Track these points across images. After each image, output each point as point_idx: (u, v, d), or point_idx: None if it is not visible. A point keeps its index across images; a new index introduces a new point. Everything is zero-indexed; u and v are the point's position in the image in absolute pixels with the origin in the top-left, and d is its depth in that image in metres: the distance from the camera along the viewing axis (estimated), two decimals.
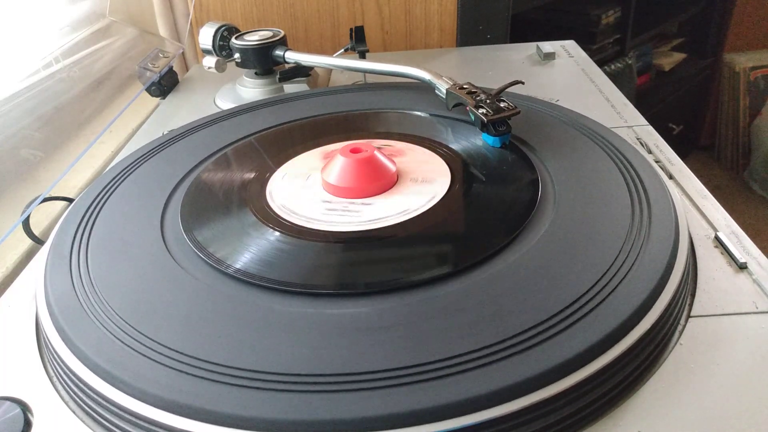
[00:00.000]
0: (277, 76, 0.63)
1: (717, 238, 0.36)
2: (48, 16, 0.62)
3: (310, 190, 0.41)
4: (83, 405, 0.28)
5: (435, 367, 0.25)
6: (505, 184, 0.40)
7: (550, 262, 0.32)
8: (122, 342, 0.28)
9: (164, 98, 0.68)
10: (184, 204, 0.40)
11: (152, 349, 0.28)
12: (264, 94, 0.63)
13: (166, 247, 0.36)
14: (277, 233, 0.36)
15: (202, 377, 0.26)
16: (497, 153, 0.43)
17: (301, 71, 0.64)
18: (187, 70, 0.83)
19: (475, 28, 0.80)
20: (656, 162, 0.45)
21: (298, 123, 0.52)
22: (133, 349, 0.28)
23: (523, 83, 0.47)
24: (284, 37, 0.63)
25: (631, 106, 0.56)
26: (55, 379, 0.30)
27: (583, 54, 0.71)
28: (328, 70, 0.70)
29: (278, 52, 0.61)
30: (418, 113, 0.52)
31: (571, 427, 0.25)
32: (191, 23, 0.81)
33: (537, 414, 0.25)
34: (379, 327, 0.28)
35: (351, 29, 0.67)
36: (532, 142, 0.44)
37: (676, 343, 0.29)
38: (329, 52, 0.74)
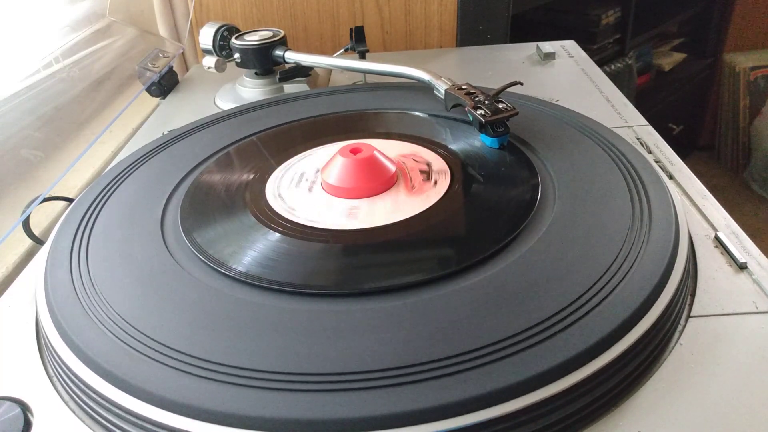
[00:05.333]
0: (277, 76, 0.63)
1: (717, 238, 0.36)
2: (48, 16, 0.62)
3: (311, 190, 0.41)
4: (83, 405, 0.28)
5: (434, 366, 0.26)
6: (505, 184, 0.40)
7: (550, 262, 0.32)
8: (122, 342, 0.28)
9: (164, 98, 0.68)
10: (184, 204, 0.40)
11: (152, 349, 0.28)
12: (264, 94, 0.63)
13: (166, 247, 0.36)
14: (278, 234, 0.36)
15: (203, 377, 0.26)
16: (497, 153, 0.43)
17: (301, 71, 0.64)
18: (187, 70, 0.83)
19: (475, 28, 0.80)
20: (656, 162, 0.45)
21: (298, 123, 0.52)
22: (133, 349, 0.28)
23: (521, 84, 0.47)
24: (284, 37, 0.63)
25: (631, 106, 0.56)
26: (55, 379, 0.30)
27: (583, 54, 0.71)
28: (328, 70, 0.70)
29: (278, 52, 0.62)
30: (418, 113, 0.52)
31: (571, 427, 0.25)
32: (191, 23, 0.81)
33: (537, 414, 0.25)
34: (379, 327, 0.28)
35: (351, 29, 0.67)
36: (532, 142, 0.44)
37: (676, 343, 0.29)
38: (329, 52, 0.74)
